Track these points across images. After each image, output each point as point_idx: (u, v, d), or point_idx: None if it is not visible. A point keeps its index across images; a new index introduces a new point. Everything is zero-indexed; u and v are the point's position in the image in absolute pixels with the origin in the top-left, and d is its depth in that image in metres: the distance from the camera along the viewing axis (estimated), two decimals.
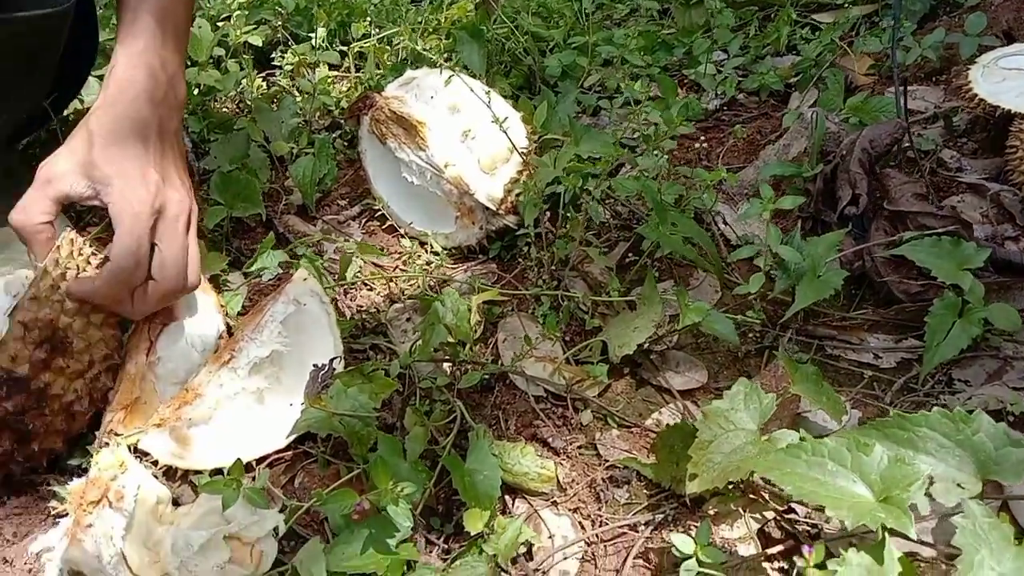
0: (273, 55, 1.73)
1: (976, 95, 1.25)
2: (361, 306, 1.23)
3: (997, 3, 1.50)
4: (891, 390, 1.02)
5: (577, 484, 0.96)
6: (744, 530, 0.87)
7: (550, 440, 1.01)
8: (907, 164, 1.29)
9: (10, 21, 1.03)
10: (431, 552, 0.90)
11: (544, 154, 1.25)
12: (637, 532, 0.90)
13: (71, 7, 1.08)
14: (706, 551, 0.81)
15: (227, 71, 1.63)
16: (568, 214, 1.22)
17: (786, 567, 0.83)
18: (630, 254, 1.23)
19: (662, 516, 0.91)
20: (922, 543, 0.77)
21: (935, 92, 1.45)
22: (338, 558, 0.83)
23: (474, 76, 1.43)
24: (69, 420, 0.96)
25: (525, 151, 1.26)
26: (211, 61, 1.63)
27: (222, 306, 1.12)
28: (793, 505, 0.88)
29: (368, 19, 1.77)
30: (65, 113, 1.39)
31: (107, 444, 0.95)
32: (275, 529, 0.86)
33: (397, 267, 1.31)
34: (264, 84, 1.70)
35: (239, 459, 0.85)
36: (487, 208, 1.26)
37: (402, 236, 1.36)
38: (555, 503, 0.95)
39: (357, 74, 1.70)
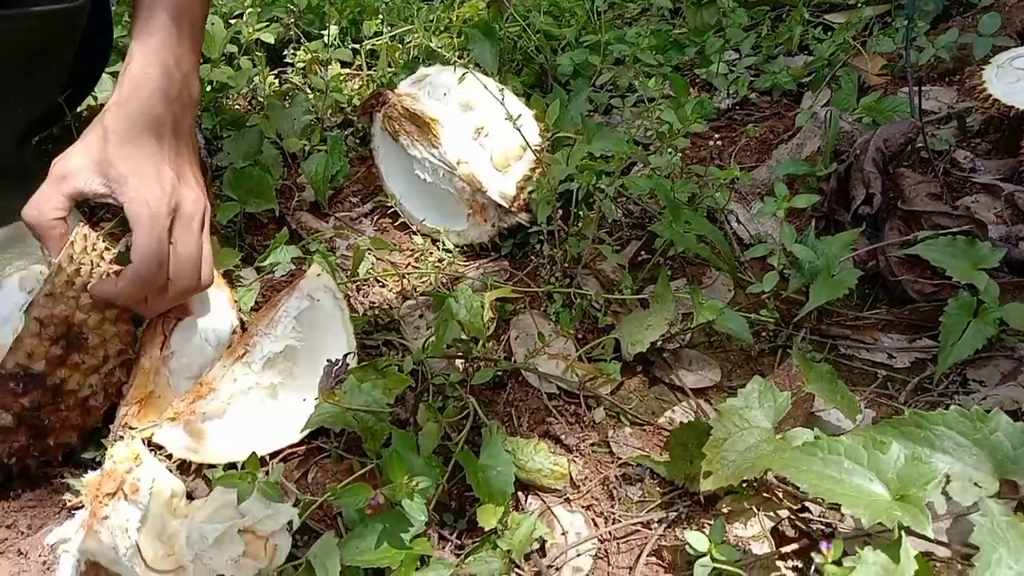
0: (285, 52, 1.74)
1: (990, 95, 1.25)
2: (374, 303, 1.23)
3: (1011, 3, 1.50)
4: (905, 390, 1.02)
5: (590, 481, 0.96)
6: (758, 528, 0.87)
7: (563, 437, 1.01)
8: (921, 164, 1.28)
9: (27, 16, 1.03)
10: (444, 547, 0.90)
11: (557, 152, 1.25)
12: (650, 529, 0.90)
13: (87, 1, 1.09)
14: (720, 549, 0.81)
15: (240, 68, 1.64)
16: (581, 212, 1.22)
17: (800, 565, 0.83)
18: (643, 252, 1.23)
19: (675, 514, 0.91)
20: (937, 542, 0.77)
21: (949, 92, 1.45)
22: (352, 552, 0.83)
23: (486, 74, 1.43)
24: (84, 415, 0.97)
25: (538, 148, 1.27)
26: (224, 58, 1.64)
27: (235, 301, 1.13)
28: (807, 504, 0.88)
29: (380, 17, 1.78)
30: (79, 110, 1.39)
31: (122, 438, 0.96)
32: (289, 523, 0.86)
33: (409, 264, 1.31)
34: (276, 81, 1.71)
35: (254, 453, 0.85)
36: (499, 205, 1.26)
37: (414, 233, 1.36)
38: (568, 500, 0.95)
39: (369, 72, 1.71)
